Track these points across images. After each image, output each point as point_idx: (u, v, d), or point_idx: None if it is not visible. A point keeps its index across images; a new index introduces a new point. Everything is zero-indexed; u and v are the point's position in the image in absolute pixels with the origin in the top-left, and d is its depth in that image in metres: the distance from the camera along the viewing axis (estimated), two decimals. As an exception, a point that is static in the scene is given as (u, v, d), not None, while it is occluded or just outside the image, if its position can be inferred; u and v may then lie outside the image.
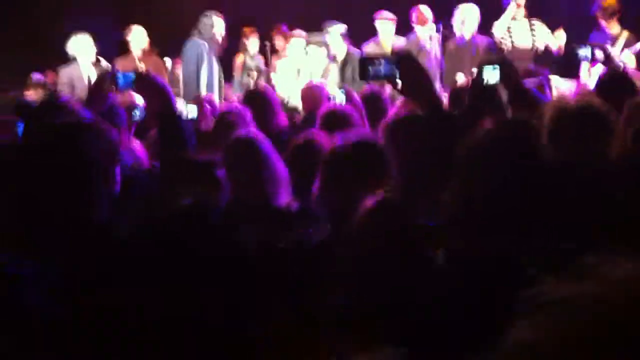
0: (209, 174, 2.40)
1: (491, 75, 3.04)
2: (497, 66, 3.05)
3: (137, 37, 7.07)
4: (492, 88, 3.18)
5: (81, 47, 6.67)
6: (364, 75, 2.29)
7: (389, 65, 2.20)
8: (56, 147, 1.99)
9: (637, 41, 6.39)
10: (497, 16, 6.79)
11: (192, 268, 1.49)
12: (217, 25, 6.84)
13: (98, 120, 2.26)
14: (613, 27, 6.55)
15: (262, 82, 7.02)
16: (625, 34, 6.50)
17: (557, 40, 6.67)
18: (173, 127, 2.60)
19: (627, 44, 6.37)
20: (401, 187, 2.21)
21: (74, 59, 6.70)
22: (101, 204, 1.99)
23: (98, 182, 2.03)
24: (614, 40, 6.42)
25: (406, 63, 2.20)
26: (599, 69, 5.00)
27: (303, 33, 7.21)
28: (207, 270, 1.51)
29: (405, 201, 2.04)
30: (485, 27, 6.82)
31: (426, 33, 6.78)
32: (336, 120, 3.63)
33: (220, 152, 2.73)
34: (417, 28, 6.88)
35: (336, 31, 6.99)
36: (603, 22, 6.59)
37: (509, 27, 6.75)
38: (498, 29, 6.72)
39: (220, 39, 6.91)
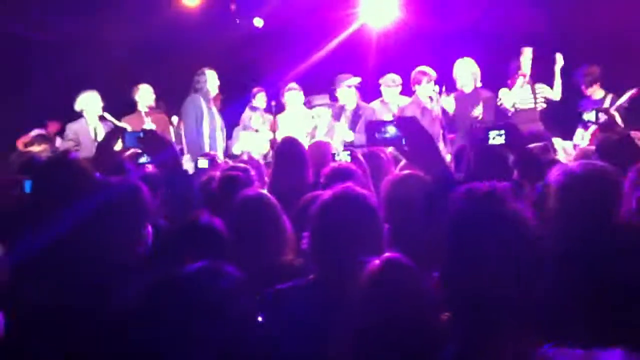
0: (215, 235, 2.40)
1: (497, 139, 3.12)
2: (502, 131, 3.12)
3: (144, 95, 7.32)
4: (498, 152, 3.24)
5: (89, 103, 6.83)
6: (370, 139, 2.32)
7: (395, 130, 2.24)
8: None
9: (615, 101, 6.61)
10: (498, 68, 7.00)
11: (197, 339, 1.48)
12: (210, 79, 7.00)
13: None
14: (597, 93, 6.78)
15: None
16: (609, 96, 6.70)
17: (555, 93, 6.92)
18: (179, 185, 2.62)
19: (611, 105, 6.55)
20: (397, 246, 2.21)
21: (81, 115, 6.84)
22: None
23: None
24: (600, 104, 6.60)
25: (412, 129, 2.23)
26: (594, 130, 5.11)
27: (296, 86, 7.43)
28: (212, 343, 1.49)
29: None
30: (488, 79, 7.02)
31: (426, 93, 6.93)
32: (340, 178, 3.66)
33: (227, 211, 2.74)
34: (417, 88, 7.04)
35: (347, 83, 7.20)
36: (587, 89, 6.81)
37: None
38: (506, 101, 6.90)
39: (215, 92, 7.09)
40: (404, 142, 2.24)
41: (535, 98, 6.97)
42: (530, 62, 6.95)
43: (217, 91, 7.10)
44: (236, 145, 7.21)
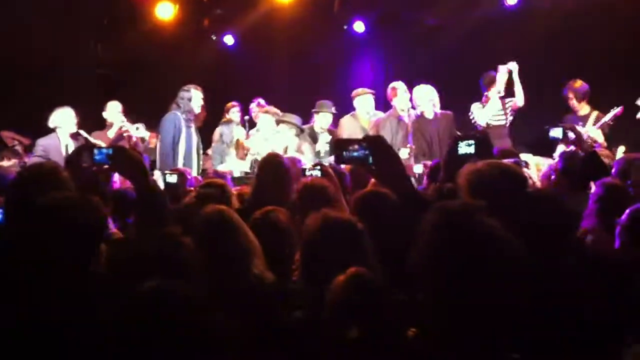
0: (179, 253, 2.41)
1: (466, 150, 3.18)
2: (472, 141, 3.20)
3: (112, 112, 7.37)
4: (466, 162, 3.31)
5: (63, 119, 6.82)
6: (338, 158, 2.37)
7: (362, 149, 2.29)
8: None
9: (600, 118, 6.73)
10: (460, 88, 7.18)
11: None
12: (195, 98, 7.04)
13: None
14: (583, 108, 6.93)
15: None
16: (594, 113, 6.85)
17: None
18: (150, 203, 2.64)
19: (596, 122, 6.71)
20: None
21: (54, 130, 6.83)
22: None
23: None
24: (584, 120, 6.76)
25: (378, 148, 2.29)
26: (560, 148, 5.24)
27: (273, 109, 7.50)
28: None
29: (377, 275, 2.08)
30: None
31: (403, 106, 7.05)
32: (313, 193, 3.73)
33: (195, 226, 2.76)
34: (394, 101, 7.19)
35: (331, 110, 7.48)
36: (573, 104, 6.96)
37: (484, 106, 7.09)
38: (480, 118, 7.04)
39: (198, 111, 7.11)
40: (370, 161, 2.29)
41: (505, 114, 7.11)
42: (505, 79, 7.08)
43: (199, 110, 7.12)
44: (221, 166, 7.21)
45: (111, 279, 2.21)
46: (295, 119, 7.29)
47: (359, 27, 9.41)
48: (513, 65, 7.09)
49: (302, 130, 7.24)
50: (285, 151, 7.02)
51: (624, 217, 2.94)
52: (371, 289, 1.88)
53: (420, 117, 7.06)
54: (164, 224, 2.60)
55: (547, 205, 2.41)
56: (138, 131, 7.21)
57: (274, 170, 4.28)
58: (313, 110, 7.56)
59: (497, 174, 2.41)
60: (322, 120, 7.48)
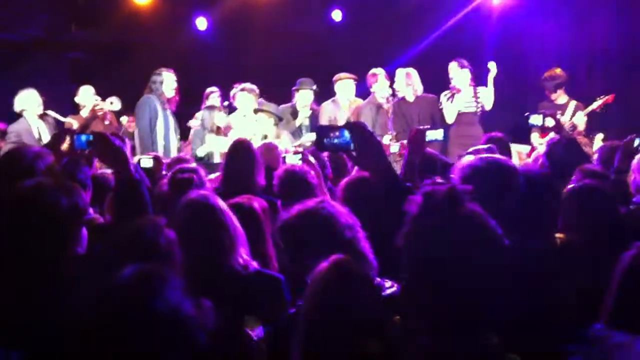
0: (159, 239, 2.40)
1: (434, 135, 3.52)
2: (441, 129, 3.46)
3: (85, 95, 7.37)
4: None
5: (28, 102, 6.77)
6: (319, 145, 2.36)
7: (344, 136, 2.29)
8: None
9: (584, 109, 6.78)
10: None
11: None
12: (167, 81, 7.01)
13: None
14: (560, 97, 7.00)
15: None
16: (573, 103, 6.92)
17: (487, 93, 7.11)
18: (129, 189, 2.62)
19: (575, 112, 6.78)
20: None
21: (21, 115, 6.78)
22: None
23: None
24: (562, 109, 6.83)
25: (360, 134, 2.29)
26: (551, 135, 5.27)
27: (252, 88, 7.44)
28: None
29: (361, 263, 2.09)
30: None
31: (383, 93, 7.17)
32: (293, 180, 3.75)
33: (175, 213, 2.74)
34: (374, 88, 7.28)
35: (311, 87, 7.47)
36: (551, 94, 7.02)
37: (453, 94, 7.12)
38: (449, 116, 7.14)
39: (171, 95, 7.07)
40: (352, 148, 2.29)
41: (476, 101, 7.13)
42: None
43: (173, 93, 7.08)
44: (201, 148, 7.19)
45: (91, 264, 2.20)
46: (273, 107, 7.27)
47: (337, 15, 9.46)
48: (492, 66, 7.14)
49: (280, 119, 7.22)
50: (265, 139, 7.00)
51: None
52: (354, 275, 1.88)
53: (402, 100, 7.16)
54: (144, 210, 2.58)
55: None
56: (112, 105, 7.20)
57: (243, 157, 4.26)
58: (293, 88, 7.54)
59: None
60: (303, 97, 7.48)
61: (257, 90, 7.42)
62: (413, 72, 7.23)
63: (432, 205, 1.67)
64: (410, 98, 7.16)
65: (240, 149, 4.36)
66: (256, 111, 7.19)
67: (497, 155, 2.80)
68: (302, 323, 1.81)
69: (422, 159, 3.41)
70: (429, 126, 3.70)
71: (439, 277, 1.62)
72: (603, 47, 8.06)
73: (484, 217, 1.66)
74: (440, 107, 7.22)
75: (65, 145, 2.93)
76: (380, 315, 1.88)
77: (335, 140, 2.32)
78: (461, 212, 1.65)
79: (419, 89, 7.20)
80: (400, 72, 7.25)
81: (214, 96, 7.96)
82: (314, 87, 7.52)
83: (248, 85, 7.44)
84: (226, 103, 7.74)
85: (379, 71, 7.31)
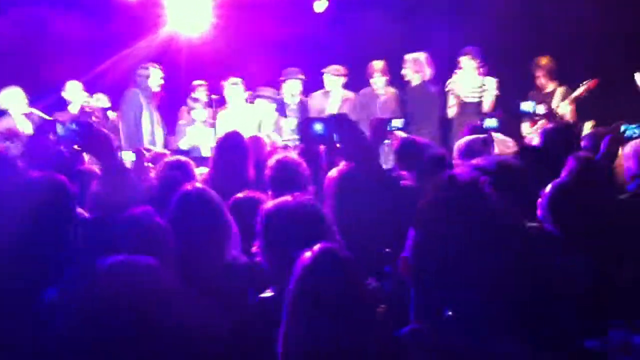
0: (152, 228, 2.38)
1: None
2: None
3: (73, 91, 7.29)
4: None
5: (13, 99, 6.73)
6: (303, 137, 2.36)
7: (328, 128, 2.29)
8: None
9: (569, 93, 6.79)
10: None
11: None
12: (153, 76, 7.06)
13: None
14: (548, 85, 6.99)
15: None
16: (560, 89, 6.92)
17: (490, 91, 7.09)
18: (116, 180, 2.60)
19: (564, 98, 6.76)
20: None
21: (6, 112, 6.74)
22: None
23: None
24: (550, 97, 6.82)
25: (343, 126, 2.29)
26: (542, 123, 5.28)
27: (238, 81, 7.39)
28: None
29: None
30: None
31: (380, 83, 7.26)
32: (286, 171, 3.72)
33: (168, 205, 2.72)
34: (372, 79, 7.35)
35: (298, 76, 7.42)
36: (541, 82, 7.01)
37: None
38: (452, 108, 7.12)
39: (157, 90, 7.13)
40: (335, 139, 2.29)
41: (482, 91, 7.12)
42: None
43: (158, 89, 7.13)
44: (183, 140, 7.17)
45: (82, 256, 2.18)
46: (272, 92, 7.24)
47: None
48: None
49: (281, 104, 7.18)
50: (259, 127, 6.96)
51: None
52: (340, 261, 1.87)
53: (368, 90, 7.32)
54: (132, 201, 2.56)
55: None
56: (99, 102, 7.22)
57: (233, 149, 4.22)
58: (280, 78, 7.50)
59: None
60: (290, 87, 7.42)
61: (242, 83, 7.39)
62: (422, 56, 7.23)
63: (457, 187, 1.73)
64: (381, 90, 7.29)
65: (232, 140, 4.31)
66: (254, 97, 7.12)
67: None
68: (291, 307, 1.80)
69: (410, 147, 3.41)
70: (389, 116, 3.77)
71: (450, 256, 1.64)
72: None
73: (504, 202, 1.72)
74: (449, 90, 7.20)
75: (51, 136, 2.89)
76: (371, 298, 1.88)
77: (320, 132, 2.33)
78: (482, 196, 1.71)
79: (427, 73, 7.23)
80: (374, 64, 7.28)
81: (200, 90, 7.89)
82: (301, 75, 7.47)
83: (237, 79, 7.41)
84: (214, 97, 7.67)
85: (378, 63, 7.32)
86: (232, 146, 4.27)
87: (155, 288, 1.63)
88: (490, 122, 4.72)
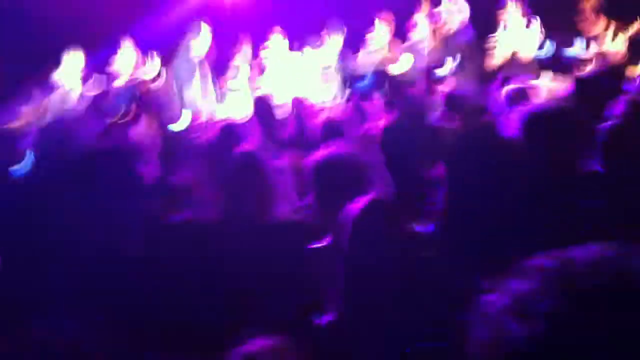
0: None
1: None
2: None
3: (126, 59, 7.28)
4: None
5: (70, 70, 6.79)
6: (352, 90, 2.43)
7: (374, 81, 2.34)
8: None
9: (623, 29, 6.36)
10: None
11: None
12: (203, 39, 7.13)
13: None
14: (594, 26, 6.56)
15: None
16: (610, 26, 6.50)
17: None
18: (170, 145, 2.72)
19: (615, 36, 6.41)
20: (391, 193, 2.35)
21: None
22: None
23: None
24: (595, 38, 6.47)
25: (389, 80, 2.35)
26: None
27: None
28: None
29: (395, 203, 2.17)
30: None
31: (420, 35, 7.09)
32: (333, 129, 3.81)
33: (221, 167, 2.83)
34: (412, 33, 7.21)
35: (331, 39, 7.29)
36: (587, 22, 6.59)
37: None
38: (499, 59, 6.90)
39: (206, 52, 7.18)
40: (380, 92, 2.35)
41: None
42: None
43: (206, 51, 7.20)
44: (220, 107, 7.26)
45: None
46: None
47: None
48: None
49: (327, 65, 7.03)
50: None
51: None
52: (390, 211, 1.95)
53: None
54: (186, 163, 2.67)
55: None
56: (149, 70, 7.16)
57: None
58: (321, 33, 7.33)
59: None
60: (334, 43, 7.19)
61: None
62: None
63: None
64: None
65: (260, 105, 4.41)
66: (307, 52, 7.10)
67: None
68: (347, 254, 1.89)
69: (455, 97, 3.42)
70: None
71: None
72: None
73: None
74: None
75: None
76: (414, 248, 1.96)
77: (366, 85, 2.39)
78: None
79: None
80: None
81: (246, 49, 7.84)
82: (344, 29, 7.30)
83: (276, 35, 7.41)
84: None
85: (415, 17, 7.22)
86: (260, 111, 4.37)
87: None
88: (576, 50, 4.57)
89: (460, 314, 1.71)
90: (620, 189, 2.62)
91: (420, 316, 1.85)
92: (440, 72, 3.93)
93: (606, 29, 6.45)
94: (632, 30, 6.25)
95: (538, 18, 6.82)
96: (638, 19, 6.25)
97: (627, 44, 6.26)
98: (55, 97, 6.79)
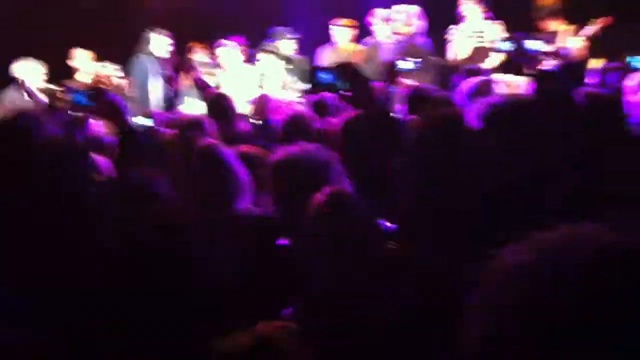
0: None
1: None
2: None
3: (81, 60, 7.27)
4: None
5: (28, 71, 6.62)
6: (313, 84, 2.41)
7: (336, 75, 2.34)
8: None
9: (578, 31, 6.55)
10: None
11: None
12: (159, 41, 7.10)
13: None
14: (552, 25, 6.71)
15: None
16: (564, 27, 6.65)
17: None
18: (130, 142, 2.68)
19: (575, 34, 6.56)
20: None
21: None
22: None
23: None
24: (553, 37, 6.59)
25: (350, 74, 2.34)
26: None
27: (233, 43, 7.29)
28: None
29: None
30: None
31: (384, 32, 7.16)
32: (297, 125, 3.78)
33: (182, 163, 2.80)
34: (374, 28, 7.26)
35: (285, 37, 7.30)
36: (543, 22, 6.74)
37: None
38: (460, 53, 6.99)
39: (164, 55, 7.15)
40: (344, 87, 2.34)
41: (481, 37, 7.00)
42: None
43: (167, 54, 7.17)
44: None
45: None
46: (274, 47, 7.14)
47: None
48: None
49: (289, 60, 7.03)
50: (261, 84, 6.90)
51: None
52: (350, 202, 1.95)
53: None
54: (145, 161, 2.64)
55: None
56: (107, 69, 7.05)
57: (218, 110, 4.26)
58: (268, 39, 7.37)
59: None
60: (283, 48, 7.25)
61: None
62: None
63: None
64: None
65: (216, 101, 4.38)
66: (264, 52, 6.98)
67: None
68: (308, 249, 1.89)
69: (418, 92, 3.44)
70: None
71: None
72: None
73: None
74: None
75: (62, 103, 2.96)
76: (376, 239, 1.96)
77: (329, 80, 2.38)
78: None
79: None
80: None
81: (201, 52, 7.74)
82: (289, 35, 7.34)
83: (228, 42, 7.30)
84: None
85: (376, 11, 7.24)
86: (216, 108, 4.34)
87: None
88: (533, 44, 4.63)
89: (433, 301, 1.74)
90: (577, 178, 2.68)
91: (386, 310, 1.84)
92: (403, 65, 3.92)
93: (566, 26, 6.63)
94: (593, 29, 6.40)
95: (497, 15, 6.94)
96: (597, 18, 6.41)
97: (586, 41, 6.44)
98: (13, 93, 6.66)
